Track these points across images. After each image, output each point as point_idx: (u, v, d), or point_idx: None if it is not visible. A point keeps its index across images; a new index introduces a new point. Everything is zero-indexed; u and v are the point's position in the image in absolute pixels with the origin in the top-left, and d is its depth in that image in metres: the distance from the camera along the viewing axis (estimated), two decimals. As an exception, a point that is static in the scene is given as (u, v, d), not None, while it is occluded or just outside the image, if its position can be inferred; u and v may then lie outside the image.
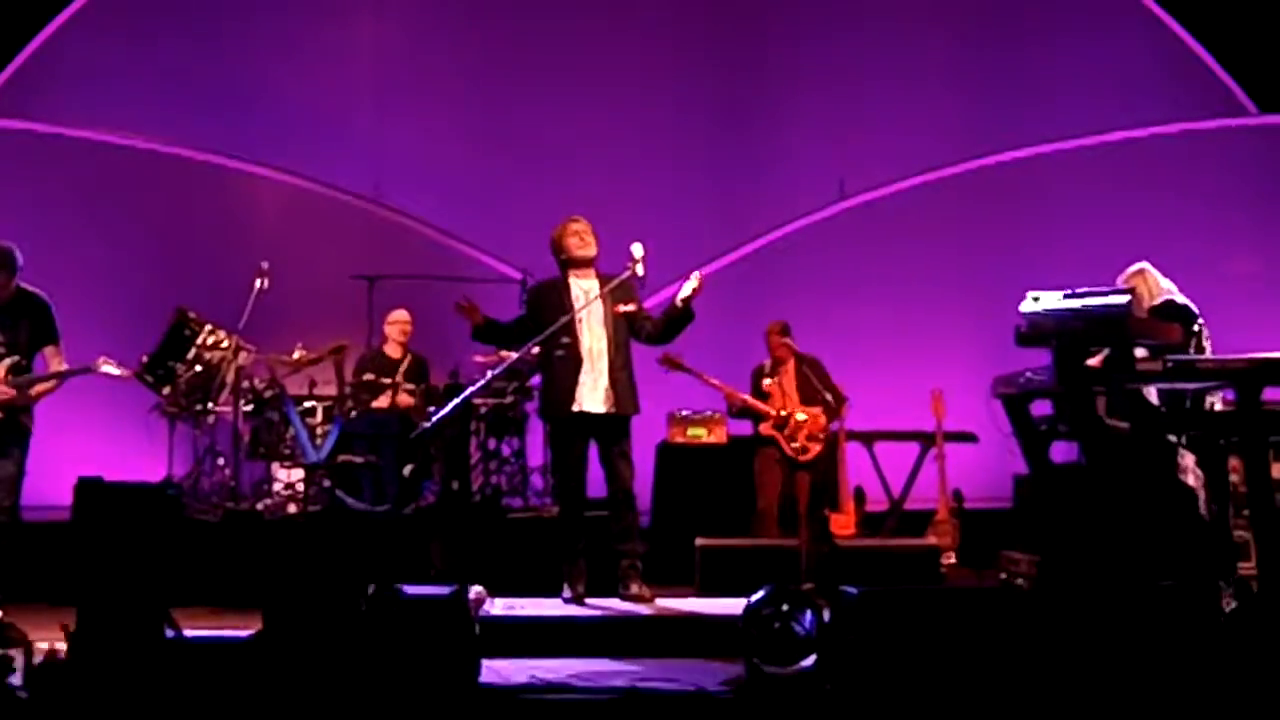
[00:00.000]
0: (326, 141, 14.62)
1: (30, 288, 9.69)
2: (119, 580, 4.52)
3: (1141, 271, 9.89)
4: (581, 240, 9.57)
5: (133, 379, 10.18)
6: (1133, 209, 13.93)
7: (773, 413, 11.69)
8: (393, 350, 12.65)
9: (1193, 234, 13.66)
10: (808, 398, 11.73)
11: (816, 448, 11.66)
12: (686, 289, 9.50)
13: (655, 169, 14.71)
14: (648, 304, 9.93)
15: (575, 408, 9.42)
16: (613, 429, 9.46)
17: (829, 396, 11.67)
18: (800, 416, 11.67)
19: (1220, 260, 13.86)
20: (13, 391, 9.45)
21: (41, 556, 9.53)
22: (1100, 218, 13.86)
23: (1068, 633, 4.88)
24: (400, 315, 12.72)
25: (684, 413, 12.59)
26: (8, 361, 9.57)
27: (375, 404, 12.18)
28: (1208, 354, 9.25)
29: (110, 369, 9.95)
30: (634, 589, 9.41)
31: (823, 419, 11.66)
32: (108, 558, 4.55)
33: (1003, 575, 10.00)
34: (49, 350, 9.67)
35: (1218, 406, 9.72)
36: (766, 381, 11.84)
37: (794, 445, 11.63)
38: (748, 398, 11.76)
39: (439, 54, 15.01)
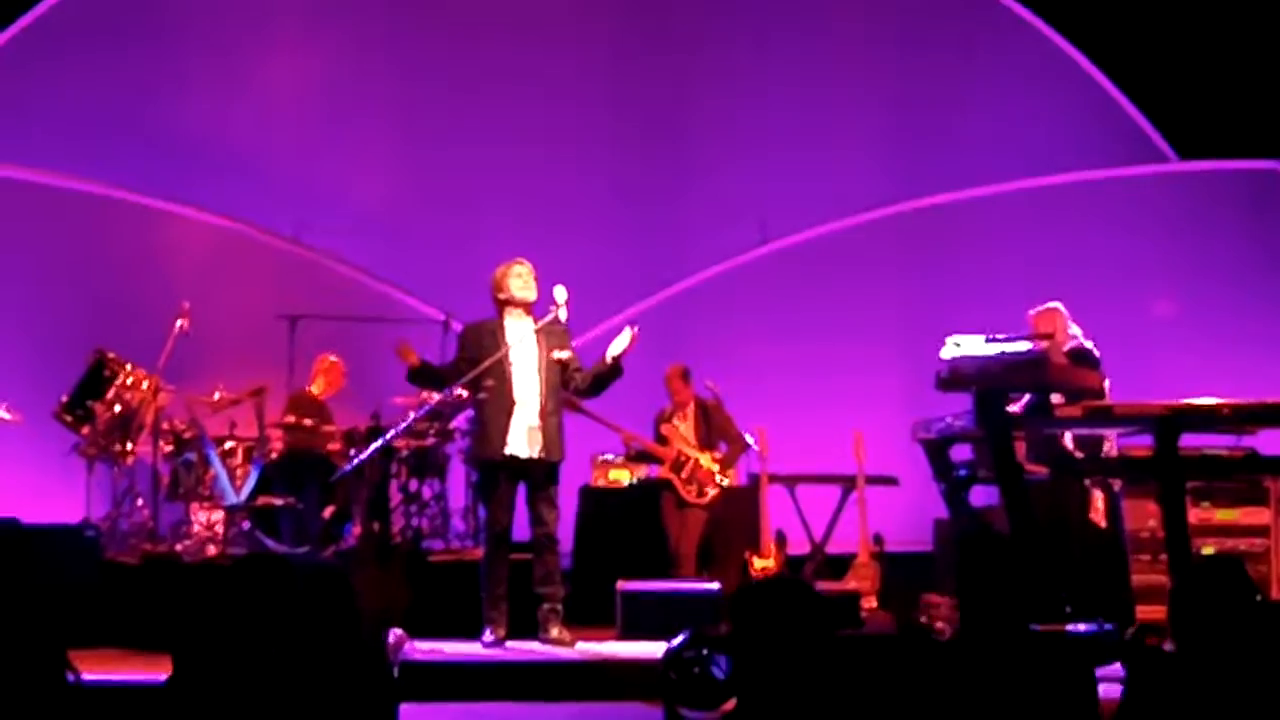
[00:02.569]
0: (248, 180, 14.54)
1: None
2: (23, 623, 4.45)
3: (1055, 310, 9.99)
4: (524, 283, 9.59)
5: (23, 423, 10.10)
6: (1053, 253, 14.04)
7: (668, 456, 11.79)
8: (324, 393, 12.61)
9: (1111, 279, 13.78)
10: (706, 441, 11.83)
11: (713, 491, 11.73)
12: (619, 345, 9.54)
13: (578, 213, 14.72)
14: (575, 347, 9.93)
15: (506, 451, 9.41)
16: (541, 474, 9.48)
17: (738, 439, 11.79)
18: (697, 458, 11.75)
19: (1138, 304, 13.98)
20: None
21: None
22: (1020, 262, 13.95)
23: (982, 678, 4.89)
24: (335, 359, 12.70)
25: (606, 456, 12.61)
26: None
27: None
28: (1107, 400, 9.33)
29: (2, 415, 9.90)
30: (554, 633, 9.42)
31: (721, 463, 11.76)
32: (14, 600, 4.49)
33: (923, 619, 10.04)
34: None
35: (1113, 451, 9.83)
36: (663, 426, 11.93)
37: (689, 487, 11.72)
38: (642, 440, 11.88)
39: (365, 93, 14.97)
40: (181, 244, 14.33)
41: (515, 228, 13.44)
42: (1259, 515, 11.23)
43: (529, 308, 9.62)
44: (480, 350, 9.52)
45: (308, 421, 12.14)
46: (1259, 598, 4.96)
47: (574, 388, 9.74)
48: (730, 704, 6.97)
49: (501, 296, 9.66)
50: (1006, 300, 10.80)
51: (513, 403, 9.46)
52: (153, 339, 12.16)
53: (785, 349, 14.28)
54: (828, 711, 4.73)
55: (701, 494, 11.73)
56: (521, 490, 9.57)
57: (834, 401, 13.82)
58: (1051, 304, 9.98)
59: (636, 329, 9.60)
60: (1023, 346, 8.85)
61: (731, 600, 5.13)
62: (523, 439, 9.46)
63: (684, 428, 11.92)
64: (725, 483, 11.80)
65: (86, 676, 4.51)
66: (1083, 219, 14.55)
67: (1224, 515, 11.37)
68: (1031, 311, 9.98)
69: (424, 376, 9.87)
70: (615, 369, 9.62)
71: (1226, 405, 8.78)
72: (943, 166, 14.96)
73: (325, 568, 5.74)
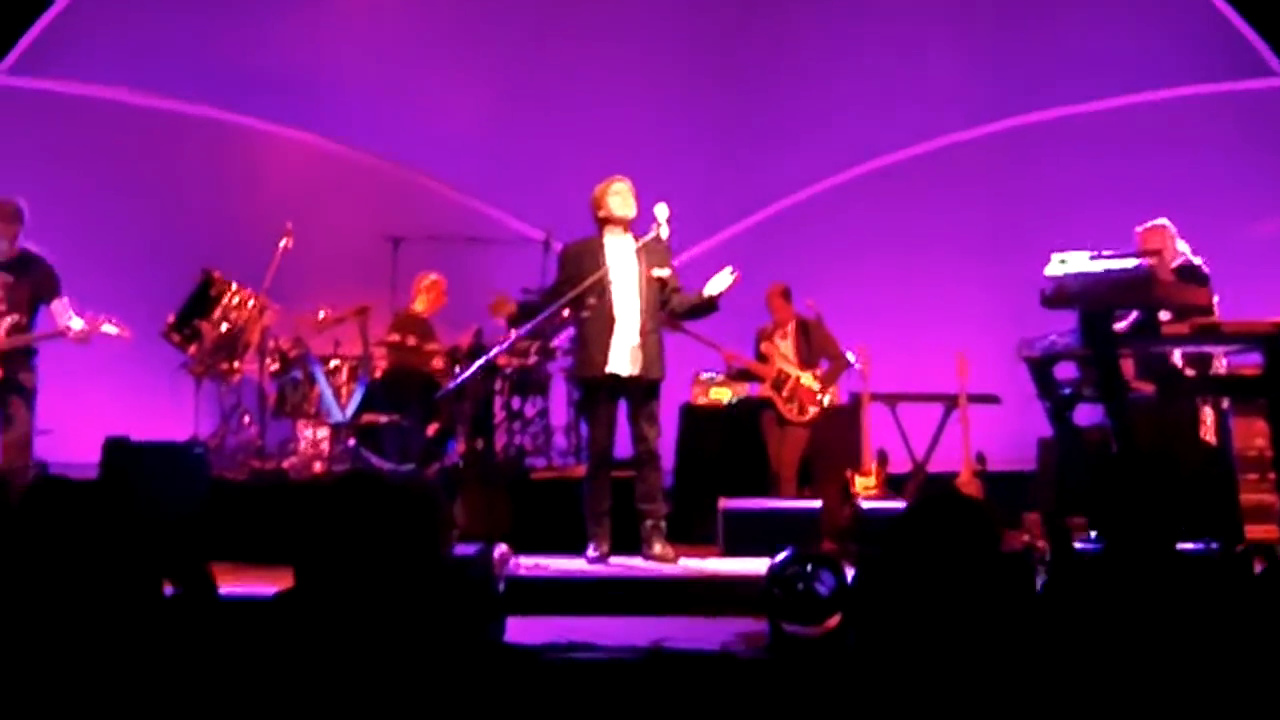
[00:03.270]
0: (353, 102, 14.60)
1: (33, 248, 9.80)
2: (135, 540, 4.52)
3: (1162, 227, 9.88)
4: (624, 200, 9.57)
5: (131, 339, 10.22)
6: (1157, 171, 13.86)
7: (769, 374, 11.80)
8: (427, 311, 12.68)
9: (1215, 196, 13.59)
10: (807, 359, 11.83)
11: (813, 410, 11.73)
12: (718, 285, 9.53)
13: (678, 132, 14.67)
14: (675, 267, 9.93)
15: (607, 369, 9.44)
16: (642, 391, 9.49)
17: (839, 357, 11.79)
18: (798, 376, 11.76)
19: (1243, 223, 13.80)
20: (4, 346, 9.59)
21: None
22: (1124, 180, 13.79)
23: (1129, 596, 4.86)
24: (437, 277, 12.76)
25: (707, 374, 12.64)
26: (8, 321, 9.66)
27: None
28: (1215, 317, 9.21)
29: (110, 329, 10.01)
30: (657, 549, 9.45)
31: (822, 381, 11.76)
32: (124, 518, 4.55)
33: (1025, 537, 10.01)
34: (55, 305, 9.79)
35: (1222, 369, 9.74)
36: (764, 344, 11.94)
37: (789, 406, 11.73)
38: (744, 359, 11.91)
39: (464, 14, 14.96)
40: (287, 166, 14.44)
41: (615, 146, 13.39)
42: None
43: (628, 225, 9.61)
44: (580, 269, 9.52)
45: (411, 340, 12.19)
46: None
47: (669, 309, 9.73)
48: (834, 620, 7.02)
49: (601, 214, 9.65)
50: (1111, 217, 10.67)
51: (613, 321, 9.47)
52: (259, 259, 12.28)
53: (887, 267, 14.23)
54: (978, 631, 4.74)
55: (802, 412, 11.75)
56: (623, 408, 9.59)
57: (936, 320, 13.76)
58: (1159, 220, 9.87)
59: (737, 274, 9.57)
60: (1129, 263, 8.75)
61: (906, 515, 5.12)
62: (623, 357, 9.48)
63: (784, 346, 11.93)
64: (826, 401, 11.80)
65: (195, 590, 4.57)
66: (1188, 135, 14.34)
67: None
68: (1139, 228, 9.87)
69: (525, 317, 9.93)
70: (711, 304, 9.64)
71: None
72: (1047, 84, 14.79)
73: (418, 483, 5.79)
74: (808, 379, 11.78)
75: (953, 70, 14.90)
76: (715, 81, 14.97)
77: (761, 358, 11.94)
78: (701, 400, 12.64)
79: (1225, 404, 9.92)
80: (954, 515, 4.95)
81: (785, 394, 11.77)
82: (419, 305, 12.68)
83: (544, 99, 14.76)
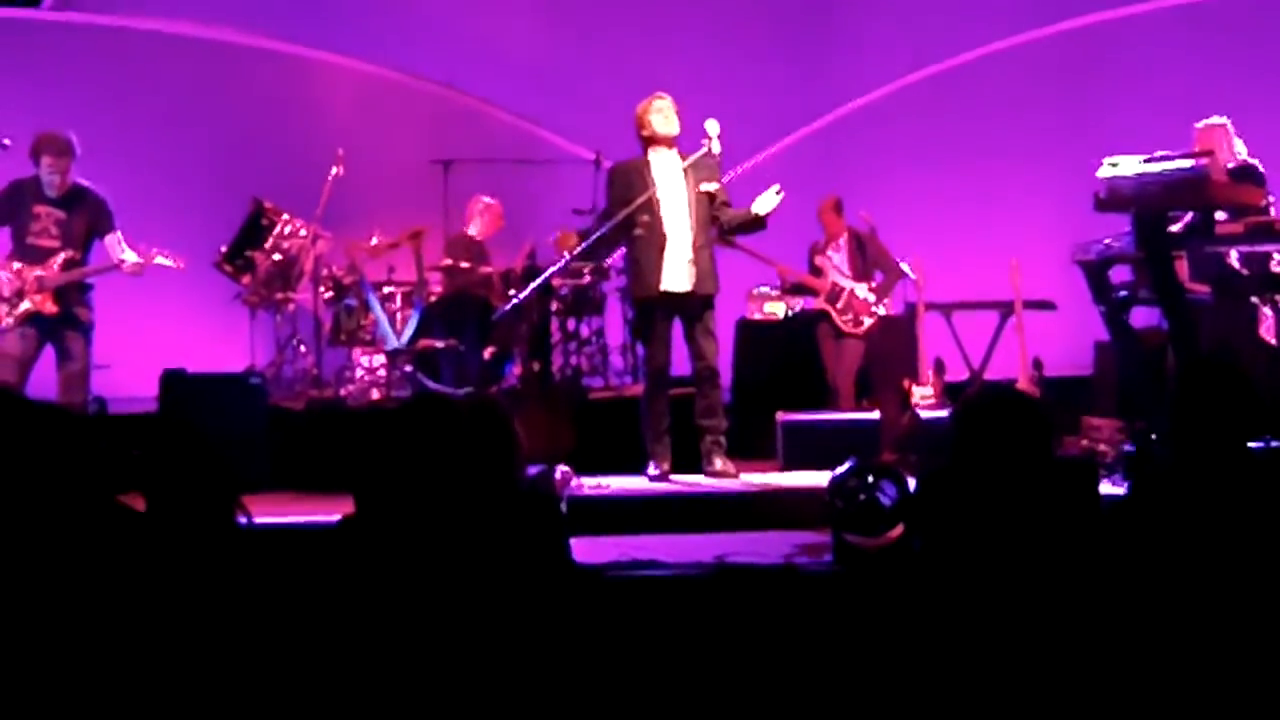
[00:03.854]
0: (398, 27, 14.57)
1: (85, 182, 9.84)
2: (194, 468, 4.56)
3: (1218, 126, 9.80)
4: (666, 118, 9.53)
5: (185, 269, 10.27)
6: (1208, 72, 13.70)
7: (823, 287, 11.81)
8: (482, 235, 12.70)
9: (1269, 95, 13.46)
10: (861, 271, 11.83)
11: (869, 321, 11.75)
12: (766, 203, 9.49)
13: (727, 47, 14.60)
14: (725, 180, 9.91)
15: (661, 287, 9.44)
16: (697, 307, 9.48)
17: (894, 268, 11.78)
18: (852, 289, 11.76)
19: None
20: (59, 280, 9.65)
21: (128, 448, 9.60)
22: (1175, 81, 13.65)
23: (1204, 501, 4.85)
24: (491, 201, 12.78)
25: (762, 289, 12.64)
26: (62, 256, 9.72)
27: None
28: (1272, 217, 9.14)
29: (163, 261, 10.06)
30: (719, 464, 9.47)
31: (877, 292, 11.77)
32: (181, 446, 4.59)
33: (1084, 442, 10.00)
34: (109, 239, 9.84)
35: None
36: (818, 258, 11.94)
37: (845, 318, 11.74)
38: (797, 273, 11.91)
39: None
40: (336, 93, 14.44)
41: (663, 64, 13.33)
42: None
43: (672, 142, 9.58)
44: (629, 190, 9.50)
45: (465, 264, 12.20)
46: None
47: (719, 224, 9.72)
48: (897, 531, 7.03)
49: (645, 133, 9.62)
50: (1164, 120, 10.60)
51: (664, 238, 9.45)
52: (310, 187, 12.30)
53: (938, 176, 14.15)
54: (1042, 536, 4.75)
55: (858, 324, 11.76)
56: (678, 325, 9.59)
57: (989, 227, 13.69)
58: (1215, 119, 9.79)
59: (783, 192, 9.53)
60: (1183, 164, 8.70)
61: (958, 413, 5.12)
62: (676, 273, 9.46)
63: (838, 259, 11.94)
64: (881, 312, 11.81)
65: (258, 520, 4.61)
66: (1241, 34, 14.20)
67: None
68: (1198, 124, 9.80)
69: (587, 253, 9.98)
70: (759, 222, 9.61)
71: (1394, 215, 8.61)
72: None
73: (484, 402, 5.80)
74: (862, 291, 11.78)
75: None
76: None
77: (815, 271, 11.95)
78: (757, 315, 12.65)
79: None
80: (1008, 413, 4.96)
81: (840, 306, 11.78)
82: (473, 229, 12.69)
83: (593, 15, 14.69)
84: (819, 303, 11.90)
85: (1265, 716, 4.52)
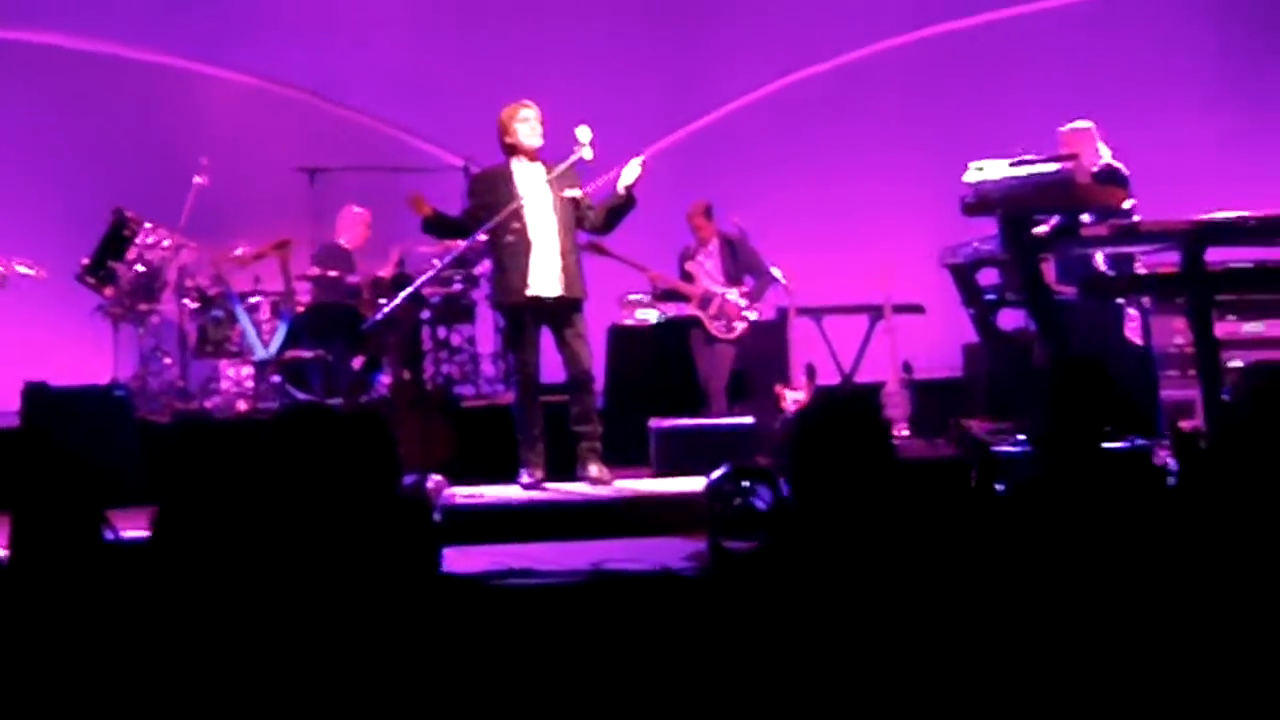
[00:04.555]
0: (263, 34, 14.43)
1: None
2: (59, 483, 4.48)
3: (1085, 130, 9.92)
4: (531, 130, 9.52)
5: (47, 278, 10.10)
6: (1077, 73, 13.90)
7: (695, 293, 11.83)
8: (351, 244, 12.61)
9: (1136, 96, 13.64)
10: (732, 276, 11.87)
11: (741, 326, 11.79)
12: (629, 175, 9.50)
13: (597, 52, 14.58)
14: (595, 187, 9.89)
15: (528, 293, 9.41)
16: (566, 312, 9.47)
17: (765, 273, 11.82)
18: (724, 294, 11.80)
19: (1168, 121, 13.83)
20: None
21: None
22: (1040, 85, 13.81)
23: (1018, 501, 4.91)
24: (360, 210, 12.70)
25: (634, 295, 12.65)
26: None
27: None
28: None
29: (24, 270, 9.90)
30: (593, 471, 9.45)
31: (748, 297, 11.81)
32: (48, 461, 4.50)
33: (955, 444, 10.07)
34: None
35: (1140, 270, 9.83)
36: (688, 264, 11.97)
37: (717, 323, 11.78)
38: (669, 279, 11.93)
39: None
40: (199, 101, 14.27)
41: (535, 68, 13.33)
42: (1286, 327, 11.26)
43: (536, 154, 9.56)
44: (494, 196, 9.48)
45: (333, 273, 12.12)
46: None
47: (589, 225, 9.72)
48: (773, 534, 7.03)
49: (508, 140, 9.60)
50: (1032, 124, 10.71)
51: (530, 244, 9.44)
52: (174, 197, 12.15)
53: (809, 180, 14.21)
54: (886, 537, 4.76)
55: (730, 329, 11.79)
56: (548, 332, 9.57)
57: (859, 232, 13.79)
58: (1080, 123, 9.91)
59: (645, 157, 9.55)
60: (1048, 167, 8.80)
61: (798, 420, 5.13)
62: (544, 279, 9.45)
63: (709, 264, 11.96)
64: (753, 316, 11.84)
65: (125, 534, 4.54)
66: (1106, 38, 14.38)
67: (1251, 328, 11.40)
68: (1063, 129, 9.91)
69: (439, 226, 9.90)
70: (629, 200, 9.60)
71: (1252, 217, 8.74)
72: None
73: (365, 414, 5.76)
74: (734, 296, 11.82)
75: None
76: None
77: (687, 277, 11.97)
78: (629, 321, 12.66)
79: (1146, 303, 9.99)
80: (839, 422, 4.96)
81: (712, 312, 11.81)
82: (342, 238, 12.60)
83: (463, 21, 14.62)
84: (691, 308, 11.91)
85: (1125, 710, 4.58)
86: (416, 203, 9.64)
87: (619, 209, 9.67)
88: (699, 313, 11.85)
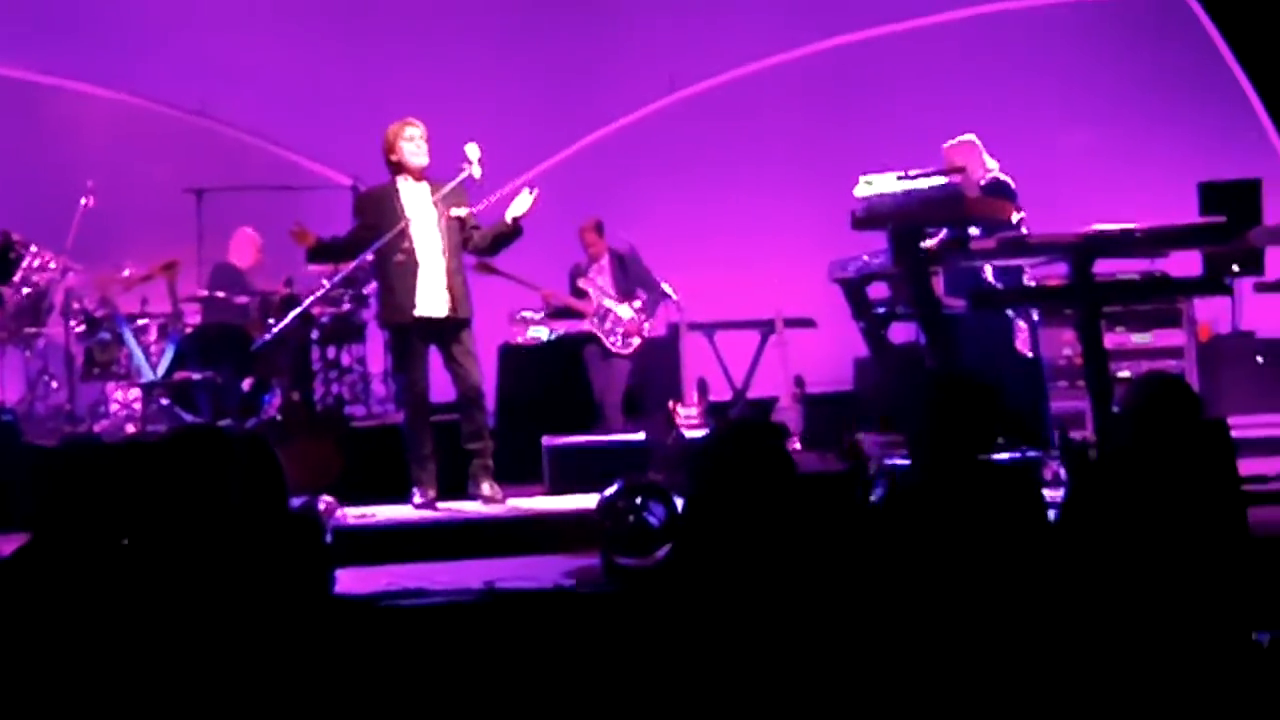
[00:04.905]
0: (146, 54, 14.29)
1: None
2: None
3: (969, 143, 9.98)
4: (416, 148, 9.45)
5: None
6: (963, 88, 13.99)
7: (589, 309, 11.83)
8: (245, 265, 12.53)
9: (1022, 111, 13.76)
10: (625, 291, 11.88)
11: (636, 341, 11.80)
12: (519, 207, 9.45)
13: (486, 70, 14.54)
14: (487, 204, 9.87)
15: (416, 313, 9.36)
16: (454, 331, 9.42)
17: (656, 288, 11.83)
18: (618, 310, 11.80)
19: (1054, 134, 13.97)
20: None
21: None
22: (931, 98, 13.88)
23: (943, 511, 4.94)
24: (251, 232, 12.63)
25: (524, 313, 12.63)
26: None
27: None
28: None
29: None
30: (486, 489, 9.40)
31: (642, 312, 11.82)
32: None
33: (846, 458, 10.10)
34: None
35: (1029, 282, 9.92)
36: (581, 281, 11.96)
37: (612, 339, 11.79)
38: (562, 296, 11.93)
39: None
40: (83, 122, 14.13)
41: (422, 87, 13.28)
42: (1173, 337, 11.42)
43: (421, 174, 9.50)
44: (380, 216, 9.42)
45: (221, 293, 12.03)
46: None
47: (473, 246, 9.66)
48: (666, 550, 7.04)
49: (394, 159, 9.52)
50: (921, 137, 10.77)
51: (417, 264, 9.38)
52: (59, 219, 12.03)
53: (698, 197, 14.23)
54: (785, 550, 4.78)
55: (626, 344, 11.80)
56: (436, 351, 9.53)
57: (749, 247, 13.82)
58: (966, 137, 9.97)
59: (536, 192, 9.52)
60: (936, 181, 8.86)
61: (710, 442, 5.14)
62: (431, 299, 9.39)
63: (602, 280, 11.99)
64: (648, 330, 11.86)
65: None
66: (991, 52, 14.50)
67: (1139, 338, 11.55)
68: (946, 145, 9.97)
69: (324, 254, 9.86)
70: (515, 230, 9.57)
71: (1138, 229, 8.83)
72: (851, 6, 14.87)
73: (250, 436, 5.73)
74: (628, 311, 11.82)
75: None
76: (523, 17, 14.86)
77: (579, 293, 11.96)
78: (519, 339, 12.63)
79: (1035, 315, 10.07)
80: (745, 442, 4.99)
81: (608, 328, 11.81)
82: (234, 259, 12.52)
83: (350, 39, 14.55)
84: (587, 324, 11.91)
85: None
86: (300, 235, 9.58)
87: (504, 237, 9.63)
88: (595, 329, 11.85)
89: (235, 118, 14.52)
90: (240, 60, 14.37)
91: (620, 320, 11.80)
